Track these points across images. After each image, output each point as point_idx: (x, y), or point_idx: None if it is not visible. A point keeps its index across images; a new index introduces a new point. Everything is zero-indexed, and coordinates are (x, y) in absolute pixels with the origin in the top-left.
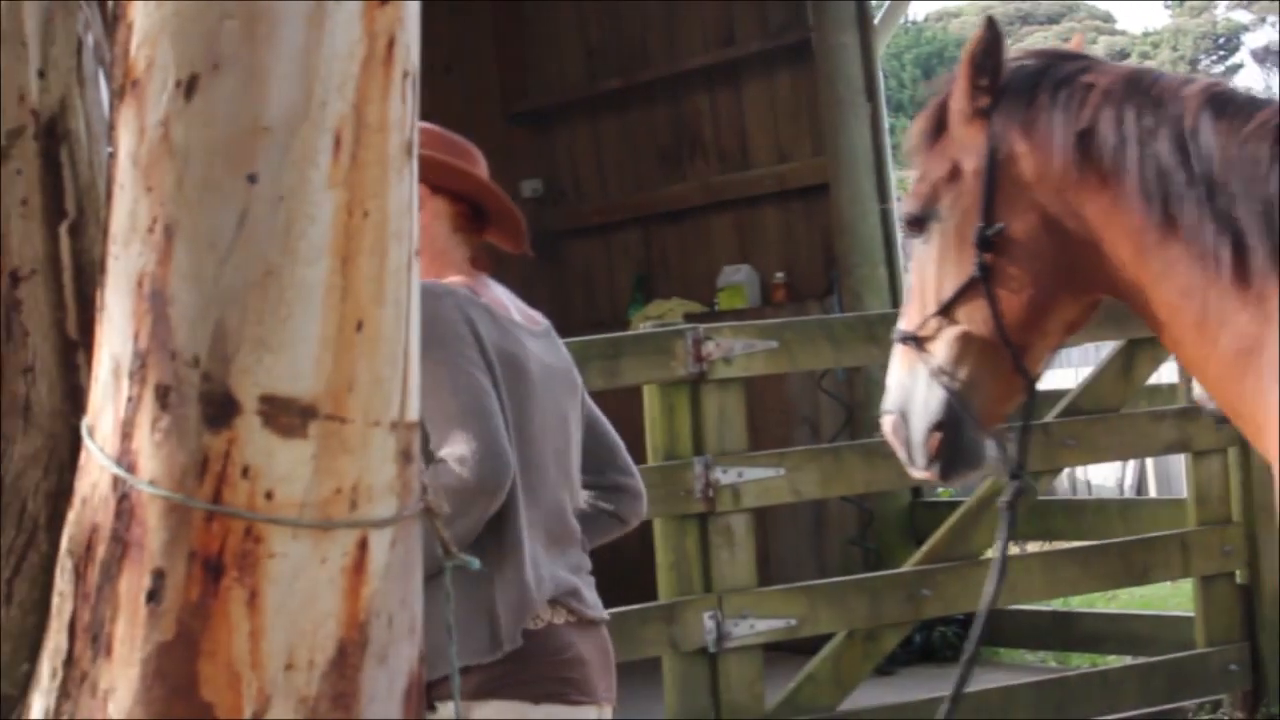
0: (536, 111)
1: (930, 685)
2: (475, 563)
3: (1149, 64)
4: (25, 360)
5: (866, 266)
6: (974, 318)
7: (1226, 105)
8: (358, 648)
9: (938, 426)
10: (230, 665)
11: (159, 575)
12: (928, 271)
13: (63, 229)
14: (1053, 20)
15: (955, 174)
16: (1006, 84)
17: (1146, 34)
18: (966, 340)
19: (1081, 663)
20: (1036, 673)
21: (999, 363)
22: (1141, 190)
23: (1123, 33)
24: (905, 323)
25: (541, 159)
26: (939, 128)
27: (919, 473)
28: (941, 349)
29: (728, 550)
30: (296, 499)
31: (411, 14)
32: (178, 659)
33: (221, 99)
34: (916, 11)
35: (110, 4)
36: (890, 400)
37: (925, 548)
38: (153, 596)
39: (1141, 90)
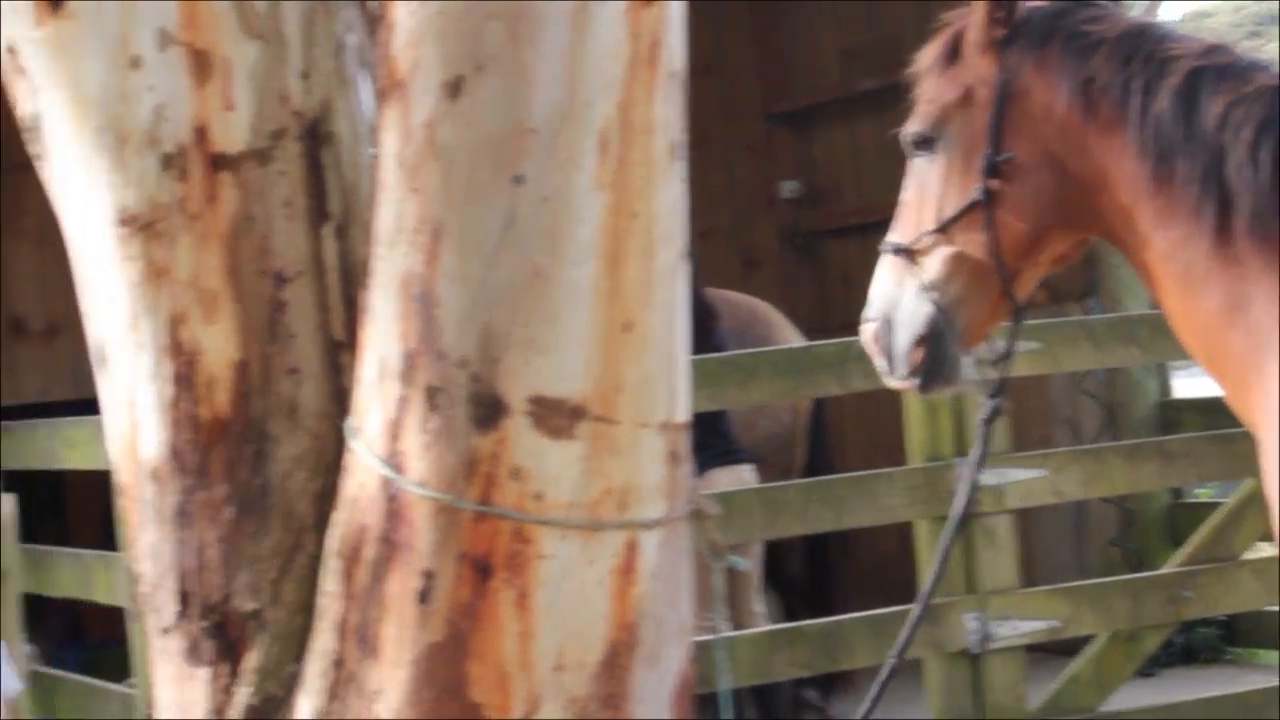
0: (795, 112)
1: (1191, 687)
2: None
3: None
4: (291, 361)
5: (1126, 267)
6: (971, 239)
7: (1227, 66)
8: (627, 649)
9: (921, 340)
10: (500, 666)
11: (428, 576)
12: (929, 189)
13: (327, 230)
14: None
15: (967, 100)
16: (1023, 22)
17: None
18: (960, 260)
19: None
20: None
21: (988, 285)
22: (1141, 141)
23: None
24: (898, 235)
25: (800, 160)
26: (952, 55)
27: (897, 382)
28: (934, 265)
29: (991, 551)
30: (565, 500)
31: (675, 15)
32: (447, 660)
33: (486, 100)
34: (1170, 12)
35: (372, 5)
36: (874, 308)
37: (1186, 548)
38: (423, 597)
39: (1149, 45)
